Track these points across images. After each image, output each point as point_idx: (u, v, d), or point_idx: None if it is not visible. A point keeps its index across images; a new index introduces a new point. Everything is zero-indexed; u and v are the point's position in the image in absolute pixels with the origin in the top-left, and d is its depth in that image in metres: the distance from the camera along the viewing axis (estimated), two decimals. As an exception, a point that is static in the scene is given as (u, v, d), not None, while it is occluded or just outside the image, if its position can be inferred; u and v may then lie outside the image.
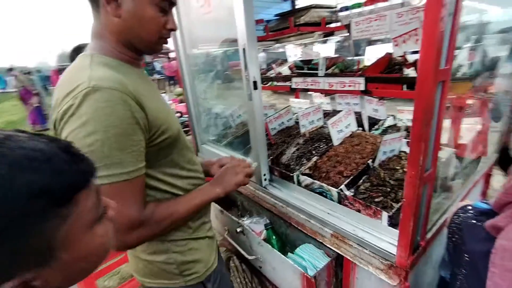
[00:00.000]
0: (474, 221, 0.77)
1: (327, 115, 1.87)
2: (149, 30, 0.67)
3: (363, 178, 1.09)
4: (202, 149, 1.96)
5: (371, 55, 1.53)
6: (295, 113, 2.13)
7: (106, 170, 0.56)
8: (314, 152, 1.33)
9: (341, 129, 1.32)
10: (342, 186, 1.06)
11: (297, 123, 1.76)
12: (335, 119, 1.29)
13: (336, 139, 1.31)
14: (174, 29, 0.70)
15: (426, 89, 0.60)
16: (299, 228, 1.14)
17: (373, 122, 1.60)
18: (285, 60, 2.10)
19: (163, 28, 0.68)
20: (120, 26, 0.64)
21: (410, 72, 1.10)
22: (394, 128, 1.52)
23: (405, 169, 1.06)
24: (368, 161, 1.13)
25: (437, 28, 0.56)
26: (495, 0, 1.29)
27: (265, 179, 1.34)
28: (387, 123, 1.54)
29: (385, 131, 1.51)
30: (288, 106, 1.78)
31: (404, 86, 1.12)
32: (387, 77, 1.18)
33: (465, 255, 0.79)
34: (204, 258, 0.83)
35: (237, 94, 2.25)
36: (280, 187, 1.30)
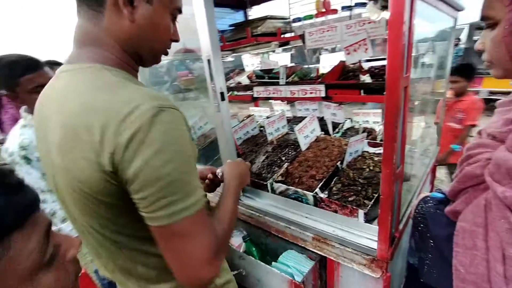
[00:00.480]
0: (435, 210, 0.86)
1: (289, 121, 1.93)
2: (161, 39, 0.60)
3: (335, 179, 1.15)
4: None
5: (325, 63, 1.64)
6: (257, 121, 2.16)
7: (186, 200, 0.49)
8: (284, 158, 1.36)
9: (307, 134, 1.38)
10: (317, 190, 1.10)
11: (261, 131, 1.78)
12: (301, 125, 1.34)
13: (304, 144, 1.36)
14: (177, 40, 0.65)
15: (394, 95, 0.66)
16: (279, 236, 1.14)
17: (333, 125, 1.70)
18: (243, 70, 2.12)
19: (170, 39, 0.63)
20: (131, 32, 0.55)
21: (365, 78, 1.20)
22: (352, 130, 1.64)
23: (371, 168, 1.15)
24: (337, 163, 1.19)
25: (400, 41, 0.62)
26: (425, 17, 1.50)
27: (238, 191, 1.31)
28: (345, 126, 1.66)
29: (344, 133, 1.62)
30: (252, 115, 1.79)
31: (361, 91, 1.22)
32: (346, 83, 1.27)
33: (430, 241, 0.87)
34: (232, 277, 0.79)
35: (196, 105, 2.19)
36: (255, 197, 1.29)
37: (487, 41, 0.62)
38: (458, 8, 1.26)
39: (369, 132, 1.57)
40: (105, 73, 0.52)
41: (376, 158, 1.20)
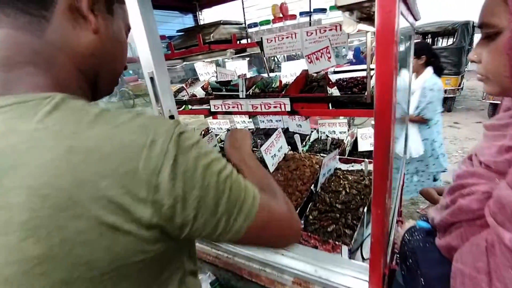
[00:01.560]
0: (425, 244, 0.78)
1: (252, 134, 1.78)
2: (123, 59, 0.50)
3: (310, 206, 1.02)
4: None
5: (286, 71, 1.53)
6: (217, 135, 1.97)
7: (248, 187, 0.45)
8: (251, 183, 1.20)
9: (274, 153, 1.24)
10: (292, 221, 0.96)
11: (222, 148, 1.59)
12: (268, 144, 1.19)
13: (272, 165, 1.21)
14: (126, 67, 0.54)
15: (386, 128, 0.54)
16: (253, 280, 0.97)
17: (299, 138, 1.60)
18: (196, 79, 1.91)
19: None
20: (94, 46, 0.42)
21: (333, 91, 1.11)
22: (319, 142, 1.55)
23: (347, 190, 1.05)
24: (311, 186, 1.07)
25: (392, 62, 0.50)
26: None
27: (200, 226, 1.12)
28: (312, 138, 1.56)
29: (312, 146, 1.52)
30: (211, 131, 1.60)
31: (330, 105, 1.12)
32: (312, 96, 1.15)
33: (421, 279, 0.79)
34: None
35: (147, 112, 1.92)
36: (221, 232, 1.11)
37: (484, 52, 0.53)
38: (416, 18, 1.24)
39: (337, 144, 1.49)
40: (75, 103, 0.36)
41: (350, 177, 1.11)
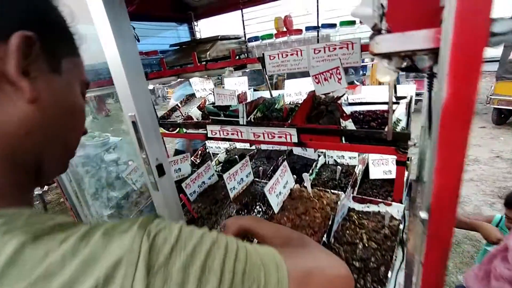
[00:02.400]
0: None
1: (252, 157, 1.63)
2: (78, 129, 0.40)
3: (322, 260, 0.88)
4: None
5: (290, 90, 1.40)
6: (215, 155, 1.82)
7: (269, 265, 0.34)
8: (253, 225, 1.06)
9: (279, 191, 1.09)
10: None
11: (220, 176, 1.45)
12: (272, 183, 1.05)
13: (276, 205, 1.07)
14: (86, 132, 0.43)
15: (446, 233, 0.39)
16: None
17: (304, 163, 1.46)
18: (192, 95, 1.76)
19: None
20: (31, 121, 0.31)
21: (348, 124, 0.97)
22: (327, 169, 1.41)
23: (364, 242, 0.91)
24: (323, 237, 0.93)
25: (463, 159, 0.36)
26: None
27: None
28: (319, 163, 1.42)
29: (319, 174, 1.38)
30: (208, 161, 1.45)
31: (343, 138, 0.98)
32: (323, 128, 1.01)
33: None
34: None
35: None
36: None
37: None
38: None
39: (347, 172, 1.35)
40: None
41: (367, 223, 0.97)
